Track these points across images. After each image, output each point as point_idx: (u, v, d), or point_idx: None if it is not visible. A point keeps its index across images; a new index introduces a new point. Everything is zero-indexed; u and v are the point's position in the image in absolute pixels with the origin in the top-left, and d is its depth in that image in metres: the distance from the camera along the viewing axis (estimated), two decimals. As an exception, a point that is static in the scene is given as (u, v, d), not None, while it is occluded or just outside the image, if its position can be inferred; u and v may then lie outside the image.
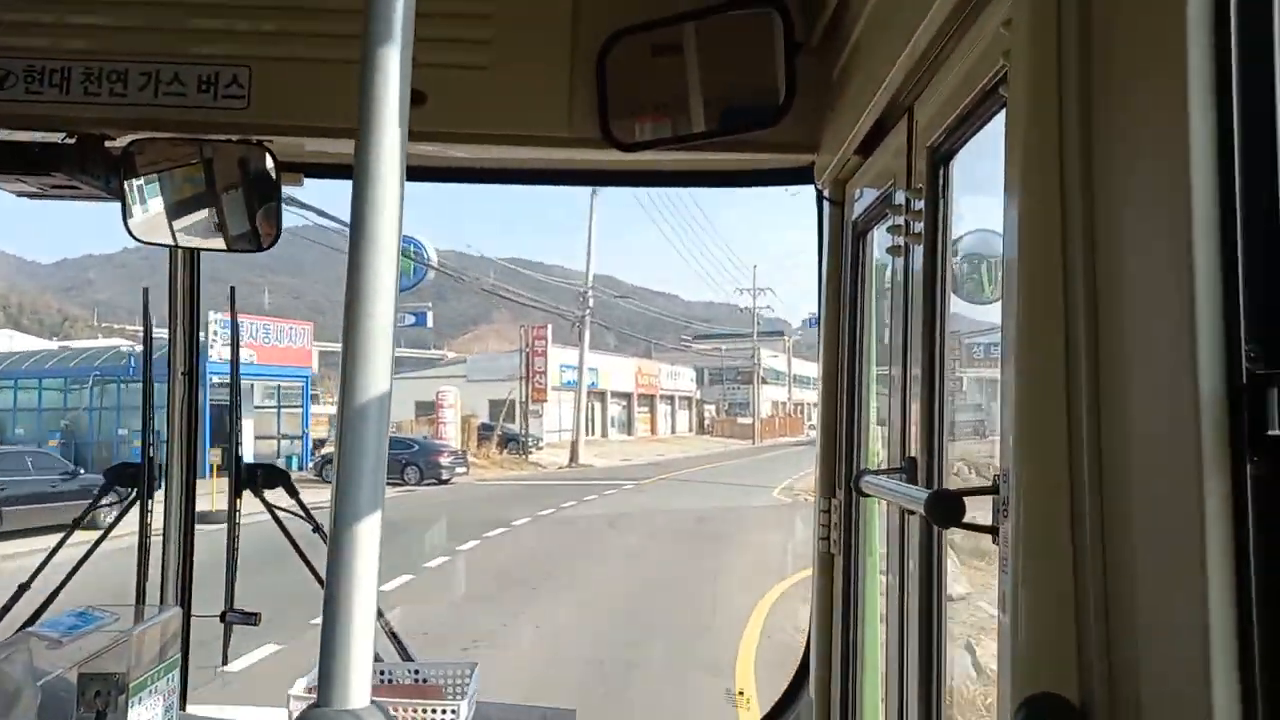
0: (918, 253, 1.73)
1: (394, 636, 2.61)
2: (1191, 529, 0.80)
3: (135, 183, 2.31)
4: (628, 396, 68.45)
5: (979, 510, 1.25)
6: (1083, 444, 0.99)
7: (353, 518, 0.82)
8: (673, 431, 75.27)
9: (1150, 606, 0.89)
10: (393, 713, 2.19)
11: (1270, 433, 0.78)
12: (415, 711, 2.14)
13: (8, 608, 2.42)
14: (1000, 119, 1.26)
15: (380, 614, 2.63)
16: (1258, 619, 0.77)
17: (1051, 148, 1.06)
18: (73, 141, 2.24)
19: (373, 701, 0.85)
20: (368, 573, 0.83)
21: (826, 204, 2.45)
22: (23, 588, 2.46)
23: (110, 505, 2.69)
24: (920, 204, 1.70)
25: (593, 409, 60.73)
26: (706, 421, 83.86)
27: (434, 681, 2.33)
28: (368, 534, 0.83)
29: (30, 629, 1.77)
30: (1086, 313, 1.00)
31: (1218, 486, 0.79)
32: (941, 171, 1.66)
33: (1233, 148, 0.81)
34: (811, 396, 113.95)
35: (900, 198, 1.82)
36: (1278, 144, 0.81)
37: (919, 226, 1.71)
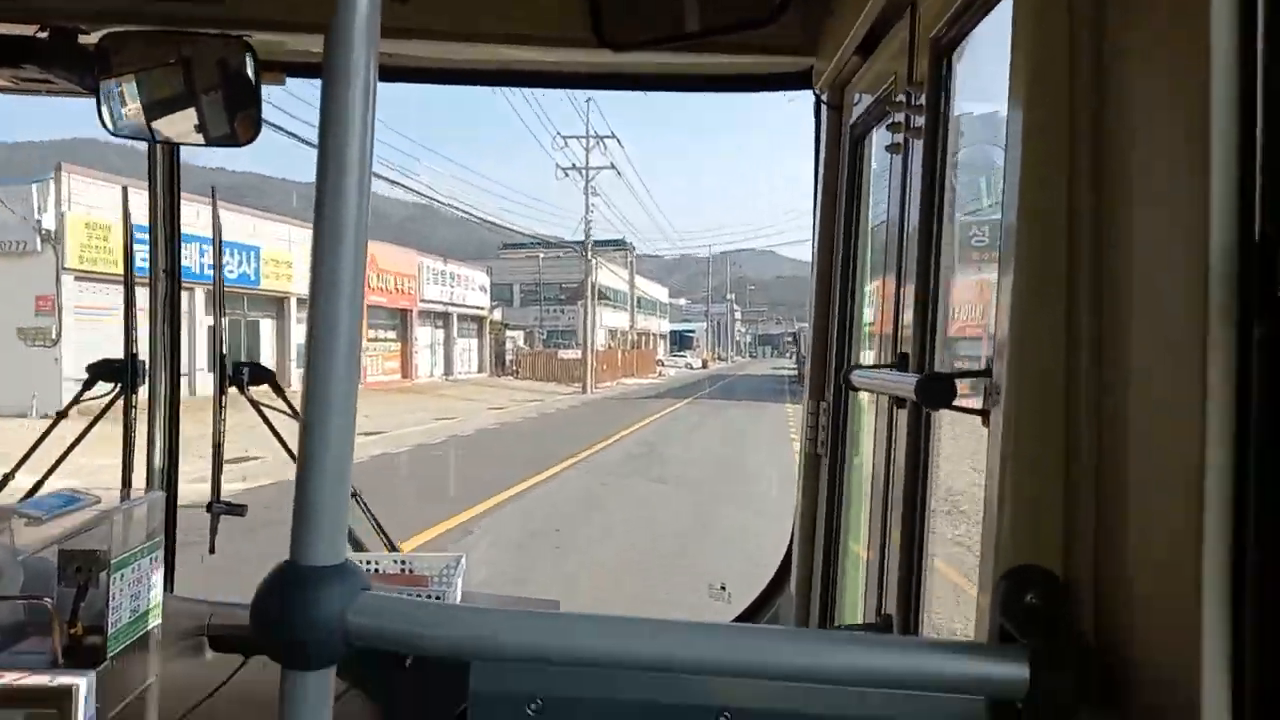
0: (917, 149, 1.70)
1: (380, 528, 2.64)
2: (1191, 397, 0.78)
3: (111, 78, 2.26)
4: (350, 310, 38.53)
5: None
6: (1080, 312, 0.97)
7: (328, 371, 0.82)
8: (446, 373, 44.93)
9: (1143, 479, 0.88)
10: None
11: None
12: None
13: None
14: (1009, 3, 1.22)
15: (366, 508, 2.66)
16: (1256, 493, 0.75)
17: (1061, 27, 1.02)
18: (45, 35, 2.20)
19: (346, 559, 0.84)
20: (342, 428, 0.82)
21: (824, 109, 2.42)
22: (7, 477, 2.49)
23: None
24: (921, 99, 1.67)
25: (254, 331, 31.68)
26: (510, 356, 55.58)
27: (420, 571, 2.36)
28: (342, 389, 0.82)
29: (11, 507, 1.79)
30: (1092, 185, 0.97)
31: (1221, 351, 0.76)
32: (944, 63, 1.62)
33: (1256, 18, 0.78)
34: (659, 325, 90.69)
35: (901, 96, 1.78)
36: None
37: (919, 121, 1.68)
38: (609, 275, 67.13)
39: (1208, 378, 0.76)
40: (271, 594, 0.82)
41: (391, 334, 40.94)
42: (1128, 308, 0.91)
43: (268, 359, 31.38)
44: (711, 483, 15.99)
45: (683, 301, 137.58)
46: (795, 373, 51.60)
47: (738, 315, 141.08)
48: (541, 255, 65.96)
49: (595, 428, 24.54)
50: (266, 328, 34.09)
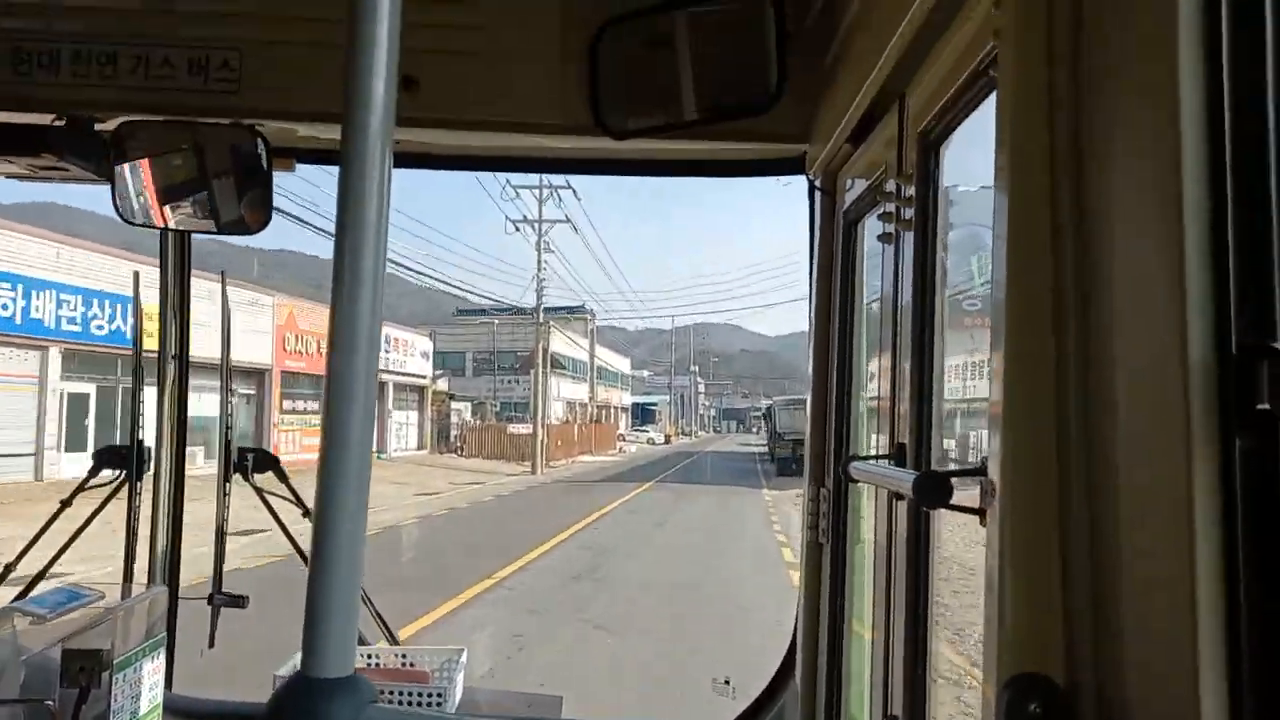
0: (908, 240, 1.74)
1: (381, 621, 2.61)
2: (1179, 506, 0.80)
3: (125, 165, 2.30)
4: (259, 376, 32.37)
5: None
6: (1070, 423, 0.99)
7: (339, 485, 0.83)
8: (379, 451, 38.84)
9: (1138, 585, 0.89)
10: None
11: (1259, 406, 0.77)
12: (402, 695, 2.14)
13: None
14: (991, 101, 1.27)
15: (368, 599, 2.63)
16: (1246, 599, 0.77)
17: (1042, 128, 1.06)
18: (62, 123, 2.24)
19: (356, 672, 0.85)
20: (352, 541, 0.83)
21: (818, 194, 2.46)
22: (8, 568, 2.46)
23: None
24: (911, 191, 1.71)
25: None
26: (455, 430, 49.81)
27: (421, 666, 2.32)
28: (353, 502, 0.83)
29: (14, 605, 1.76)
30: (1076, 288, 1.00)
31: (1206, 462, 0.78)
32: (932, 157, 1.67)
33: (1224, 120, 0.81)
34: (621, 398, 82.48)
35: (891, 185, 1.83)
36: (1268, 118, 0.81)
37: (910, 213, 1.72)
38: (565, 343, 60.69)
39: (1193, 487, 0.78)
40: (283, 708, 0.83)
41: (314, 405, 33.33)
42: (1114, 415, 0.93)
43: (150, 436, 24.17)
44: (680, 627, 10.77)
45: (645, 373, 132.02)
46: (766, 448, 48.83)
47: (701, 389, 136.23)
48: (496, 322, 59.05)
49: (533, 525, 20.13)
50: (150, 397, 27.71)
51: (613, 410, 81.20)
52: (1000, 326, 1.08)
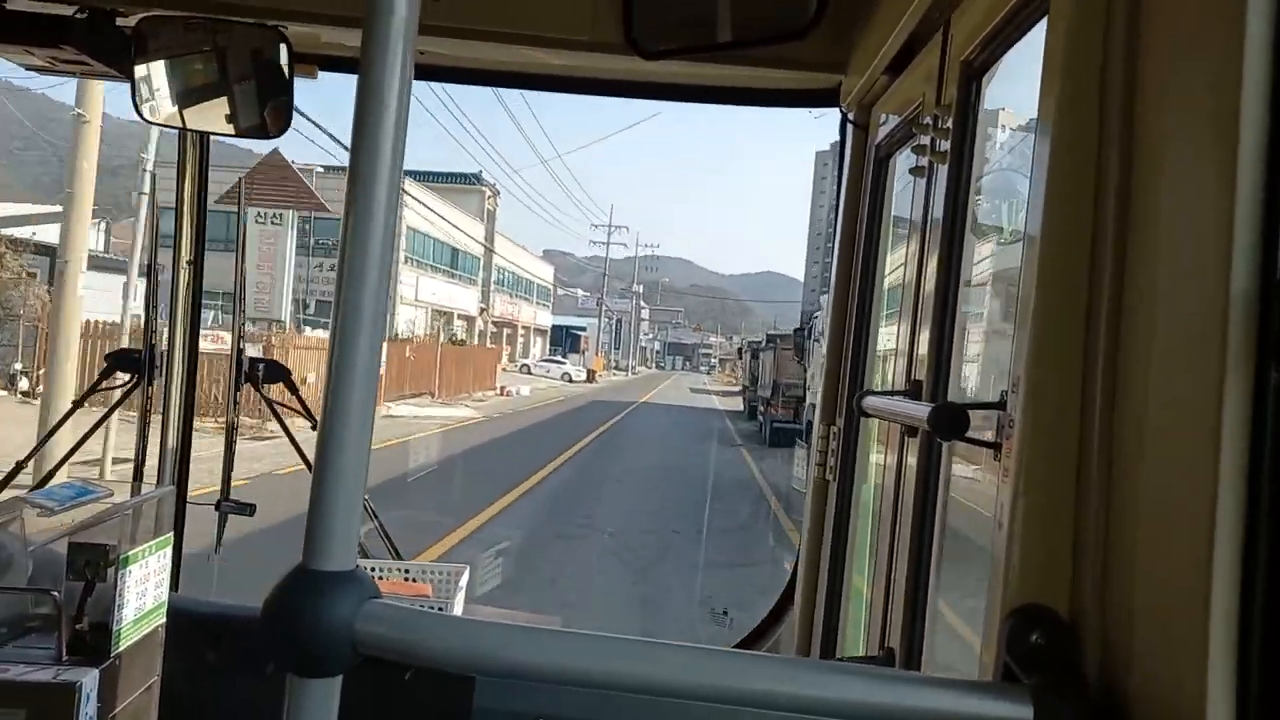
0: (942, 173, 1.69)
1: (386, 536, 2.64)
2: (1204, 443, 0.77)
3: (146, 62, 2.26)
4: None
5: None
6: (1099, 352, 0.96)
7: (348, 377, 0.82)
8: None
9: (1152, 522, 0.87)
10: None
11: None
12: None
13: (4, 484, 2.46)
14: (1040, 29, 1.21)
15: (375, 515, 2.66)
16: (1264, 543, 0.74)
17: (1095, 51, 1.01)
18: (84, 16, 2.20)
19: (357, 566, 0.85)
20: (359, 436, 0.82)
21: (850, 128, 2.41)
22: (20, 464, 2.49)
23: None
24: (949, 123, 1.66)
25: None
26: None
27: (423, 581, 2.35)
28: (362, 395, 0.82)
29: (24, 497, 1.78)
30: (1117, 218, 0.96)
31: (1237, 394, 0.75)
32: (974, 86, 1.62)
33: None
34: (535, 315, 58.80)
35: (928, 118, 1.78)
36: None
37: (945, 145, 1.67)
38: (439, 224, 40.59)
39: (1221, 423, 0.75)
40: (282, 598, 0.82)
41: None
42: (1146, 348, 0.90)
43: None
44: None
45: (579, 292, 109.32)
46: (746, 405, 35.97)
47: (645, 315, 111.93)
48: (318, 170, 32.01)
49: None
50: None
51: (521, 331, 60.57)
52: (1034, 259, 1.04)
